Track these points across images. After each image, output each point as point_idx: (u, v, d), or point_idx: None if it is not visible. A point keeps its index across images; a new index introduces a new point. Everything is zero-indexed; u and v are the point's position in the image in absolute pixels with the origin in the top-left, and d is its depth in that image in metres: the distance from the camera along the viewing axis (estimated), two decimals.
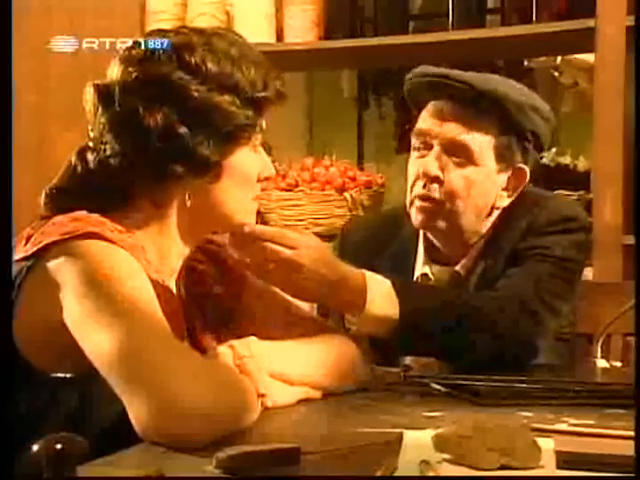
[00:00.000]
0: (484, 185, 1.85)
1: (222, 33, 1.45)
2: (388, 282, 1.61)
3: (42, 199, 1.44)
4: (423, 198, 1.84)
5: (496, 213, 1.88)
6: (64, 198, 1.42)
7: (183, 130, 1.37)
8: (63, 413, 1.29)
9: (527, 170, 1.87)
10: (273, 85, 1.43)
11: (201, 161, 1.38)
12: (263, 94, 1.42)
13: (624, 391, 1.41)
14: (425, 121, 1.87)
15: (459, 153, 1.82)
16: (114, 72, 1.41)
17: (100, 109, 1.40)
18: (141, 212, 1.42)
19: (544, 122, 1.86)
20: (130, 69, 1.39)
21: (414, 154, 1.88)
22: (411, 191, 1.87)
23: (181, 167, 1.38)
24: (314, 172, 2.95)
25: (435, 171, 1.82)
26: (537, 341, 1.73)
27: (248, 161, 1.45)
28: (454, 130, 1.83)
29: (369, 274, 1.59)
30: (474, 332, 1.66)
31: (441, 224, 1.86)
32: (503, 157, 1.85)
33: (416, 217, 1.87)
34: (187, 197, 1.41)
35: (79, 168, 1.43)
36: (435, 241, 1.91)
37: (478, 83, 1.81)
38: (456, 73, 1.84)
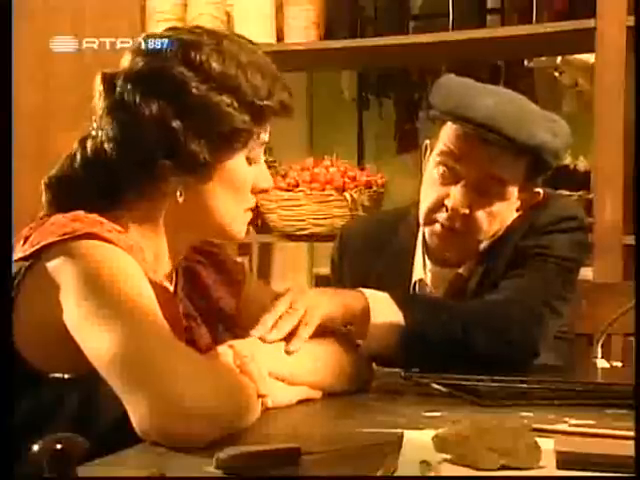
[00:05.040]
0: (505, 214, 1.85)
1: (235, 38, 1.44)
2: (386, 294, 1.61)
3: (42, 187, 1.44)
4: (444, 227, 1.83)
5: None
6: (62, 188, 1.42)
7: (176, 124, 1.36)
8: (63, 413, 1.28)
9: (541, 192, 1.87)
10: (278, 96, 1.41)
11: (190, 157, 1.37)
12: (266, 103, 1.40)
13: (624, 391, 1.41)
14: (455, 145, 1.81)
15: (489, 191, 1.80)
16: (124, 62, 1.42)
17: (102, 96, 1.40)
18: (138, 210, 1.41)
19: (567, 150, 1.86)
20: (136, 59, 1.40)
21: (436, 174, 1.83)
22: (430, 214, 1.84)
23: (170, 161, 1.37)
24: (314, 172, 2.94)
25: (464, 209, 1.80)
26: (539, 343, 1.73)
27: (242, 169, 1.43)
28: (487, 170, 1.79)
29: (367, 291, 1.59)
30: (477, 337, 1.65)
31: (456, 247, 1.85)
32: (526, 189, 1.85)
33: (432, 240, 1.86)
34: (179, 194, 1.40)
35: (78, 156, 1.43)
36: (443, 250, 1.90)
37: (521, 137, 1.74)
38: (500, 125, 1.74)
